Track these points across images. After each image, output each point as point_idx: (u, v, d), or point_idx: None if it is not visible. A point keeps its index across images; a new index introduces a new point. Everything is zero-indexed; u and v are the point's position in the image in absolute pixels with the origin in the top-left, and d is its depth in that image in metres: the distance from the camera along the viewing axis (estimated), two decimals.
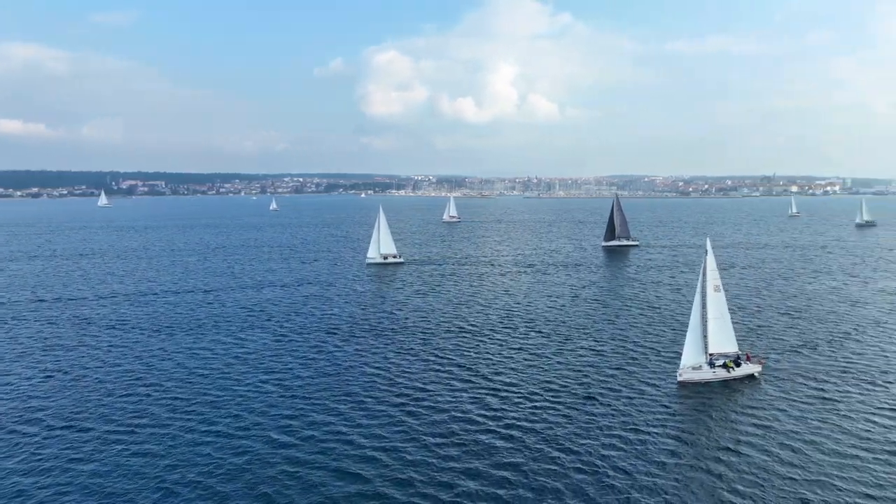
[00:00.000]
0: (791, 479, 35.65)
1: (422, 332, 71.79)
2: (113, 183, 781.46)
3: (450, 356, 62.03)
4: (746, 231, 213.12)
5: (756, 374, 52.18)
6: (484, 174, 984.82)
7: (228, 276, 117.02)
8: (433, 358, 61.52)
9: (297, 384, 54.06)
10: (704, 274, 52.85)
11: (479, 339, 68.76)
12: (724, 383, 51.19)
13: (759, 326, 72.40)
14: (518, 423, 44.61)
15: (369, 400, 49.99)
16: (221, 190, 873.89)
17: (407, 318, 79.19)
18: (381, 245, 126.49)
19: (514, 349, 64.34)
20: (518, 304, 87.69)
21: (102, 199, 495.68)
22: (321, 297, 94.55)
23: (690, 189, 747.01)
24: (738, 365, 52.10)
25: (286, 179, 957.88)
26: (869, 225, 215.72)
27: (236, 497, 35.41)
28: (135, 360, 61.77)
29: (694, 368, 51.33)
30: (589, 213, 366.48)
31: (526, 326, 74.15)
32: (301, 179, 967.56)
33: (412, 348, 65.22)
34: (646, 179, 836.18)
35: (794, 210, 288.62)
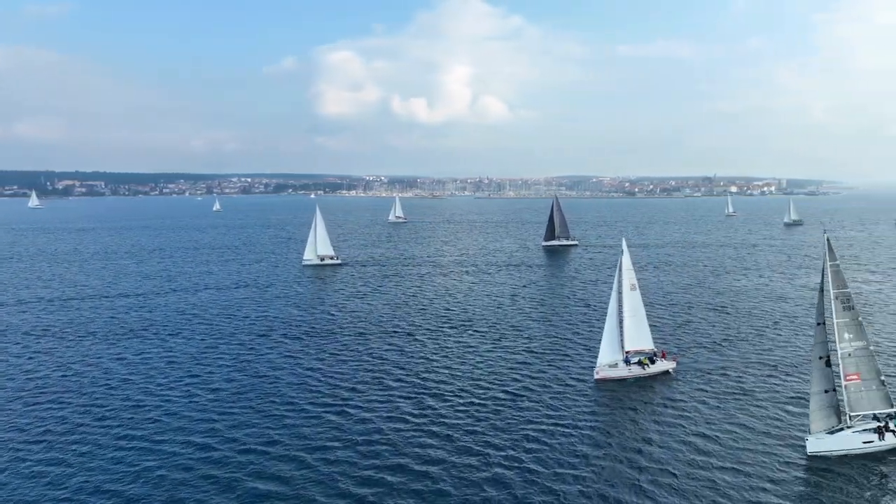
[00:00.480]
0: (703, 468, 37.00)
1: (357, 334, 71.44)
2: (48, 183, 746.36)
3: (384, 357, 61.97)
4: (685, 230, 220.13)
5: (671, 371, 53.74)
6: (436, 174, 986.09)
7: (163, 279, 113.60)
8: (367, 359, 61.34)
9: (224, 388, 53.01)
10: (620, 273, 54.15)
11: (416, 339, 68.90)
12: (640, 380, 52.59)
13: (687, 322, 75.03)
14: (445, 422, 44.97)
15: (297, 402, 49.49)
16: (165, 190, 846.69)
17: (343, 320, 78.64)
18: (318, 246, 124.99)
19: (450, 348, 64.77)
20: (458, 303, 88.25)
21: (33, 200, 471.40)
22: (257, 299, 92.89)
23: (636, 189, 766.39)
24: (653, 362, 53.63)
25: (234, 179, 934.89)
26: (796, 224, 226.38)
27: (149, 502, 34.51)
28: (56, 368, 59.36)
29: (610, 366, 52.60)
30: (536, 213, 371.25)
31: (463, 326, 74.72)
32: (249, 180, 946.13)
33: (346, 350, 64.83)
34: (594, 180, 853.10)
35: (731, 210, 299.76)
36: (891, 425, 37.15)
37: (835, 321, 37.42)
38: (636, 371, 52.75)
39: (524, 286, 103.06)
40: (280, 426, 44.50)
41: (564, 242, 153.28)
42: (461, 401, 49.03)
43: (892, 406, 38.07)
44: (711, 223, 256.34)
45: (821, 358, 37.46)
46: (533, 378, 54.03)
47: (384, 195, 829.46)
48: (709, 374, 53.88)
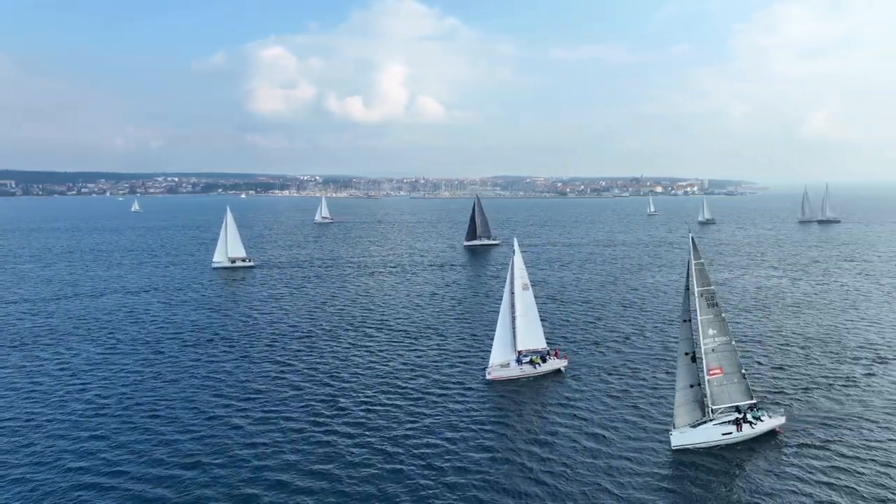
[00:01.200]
0: (575, 465, 38.01)
1: (266, 338, 69.92)
2: None
3: (292, 360, 60.93)
4: (608, 229, 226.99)
5: (562, 369, 54.96)
6: (372, 174, 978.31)
7: (67, 283, 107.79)
8: (273, 363, 60.14)
9: (114, 398, 50.77)
10: (512, 273, 55.10)
11: (329, 341, 68.06)
12: (532, 379, 53.54)
13: (592, 319, 77.33)
14: (344, 424, 44.67)
15: (190, 411, 47.92)
16: (84, 190, 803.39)
17: (253, 324, 76.80)
18: (229, 248, 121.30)
19: (361, 350, 64.36)
20: (376, 304, 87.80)
21: None
22: (164, 303, 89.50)
23: (568, 190, 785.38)
24: (545, 361, 54.72)
25: (159, 179, 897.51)
26: (709, 223, 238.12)
27: None
28: None
29: (502, 366, 53.34)
30: (469, 213, 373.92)
31: (378, 327, 74.42)
32: (176, 179, 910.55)
33: (252, 354, 63.35)
34: (527, 180, 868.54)
35: (652, 209, 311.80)
36: (748, 417, 39.52)
37: (699, 318, 39.47)
38: (527, 370, 53.63)
39: (446, 285, 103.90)
40: (163, 441, 42.85)
41: (486, 242, 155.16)
42: (364, 402, 48.87)
43: (751, 398, 40.52)
44: (634, 222, 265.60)
45: (686, 354, 39.41)
46: (436, 378, 54.32)
47: (318, 195, 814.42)
48: (599, 371, 55.51)
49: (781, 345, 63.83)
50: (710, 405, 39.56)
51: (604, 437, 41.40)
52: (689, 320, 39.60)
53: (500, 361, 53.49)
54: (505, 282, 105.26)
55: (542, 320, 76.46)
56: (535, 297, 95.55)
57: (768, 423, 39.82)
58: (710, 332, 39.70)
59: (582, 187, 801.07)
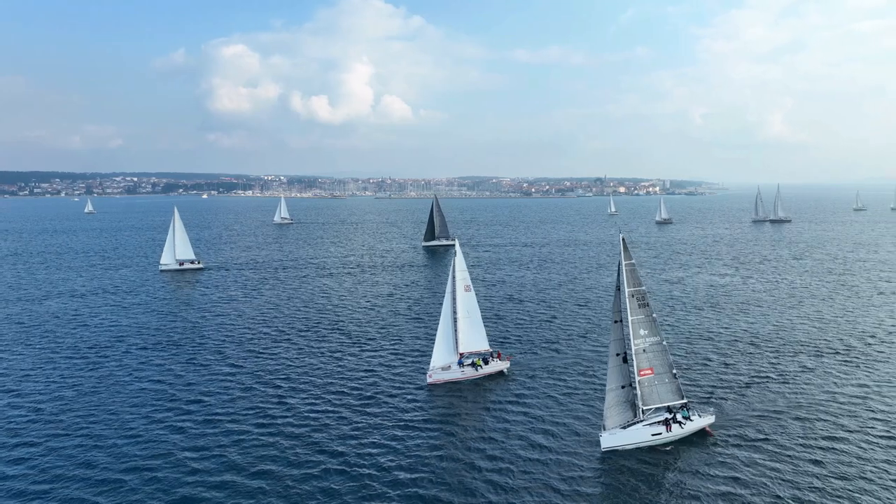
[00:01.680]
0: (521, 466, 37.90)
1: (215, 341, 68.28)
2: None
3: (240, 363, 59.68)
4: (570, 229, 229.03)
5: (505, 371, 54.74)
6: (339, 174, 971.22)
7: (10, 287, 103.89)
8: (221, 366, 58.79)
9: (50, 404, 48.89)
10: (454, 274, 54.70)
11: (279, 343, 66.80)
12: (475, 381, 53.17)
13: (542, 319, 77.56)
14: (289, 426, 43.93)
15: (130, 416, 46.54)
16: (37, 190, 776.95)
17: (202, 327, 74.91)
18: (177, 250, 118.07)
19: (314, 351, 63.35)
20: (332, 306, 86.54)
21: None
22: (111, 307, 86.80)
23: (533, 190, 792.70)
24: (487, 363, 54.38)
25: (118, 179, 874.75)
26: (666, 222, 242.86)
27: None
28: None
29: (443, 369, 52.87)
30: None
31: (331, 329, 73.36)
32: (135, 179, 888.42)
33: (199, 358, 61.79)
34: (493, 181, 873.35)
35: (613, 209, 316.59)
36: (678, 417, 39.89)
37: (630, 319, 39.68)
38: (469, 373, 53.25)
39: (405, 286, 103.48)
40: (104, 447, 41.44)
41: (444, 242, 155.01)
42: (310, 404, 48.27)
43: (682, 398, 40.92)
44: (595, 222, 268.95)
45: (617, 355, 39.57)
46: (385, 379, 53.72)
47: (282, 195, 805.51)
48: (543, 372, 55.52)
49: (729, 342, 65.02)
50: (640, 406, 39.77)
51: (536, 439, 41.18)
52: (621, 321, 39.77)
53: (441, 364, 52.97)
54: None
55: (498, 320, 77.16)
56: (494, 297, 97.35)
57: (698, 422, 40.24)
58: (642, 332, 39.94)
59: (547, 187, 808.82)
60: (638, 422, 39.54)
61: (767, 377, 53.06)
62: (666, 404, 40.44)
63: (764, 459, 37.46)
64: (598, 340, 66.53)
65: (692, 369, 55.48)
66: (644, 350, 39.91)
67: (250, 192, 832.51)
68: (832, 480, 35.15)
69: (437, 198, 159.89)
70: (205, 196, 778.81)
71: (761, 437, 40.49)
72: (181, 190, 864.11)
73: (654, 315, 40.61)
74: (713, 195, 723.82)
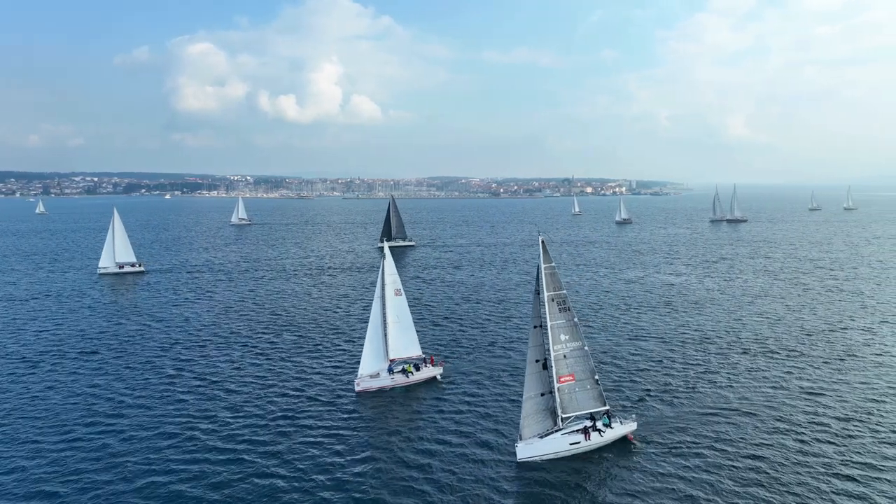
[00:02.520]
0: (451, 472, 36.22)
1: (152, 347, 65.25)
2: None
3: (171, 371, 57.00)
4: (532, 230, 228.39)
5: (438, 377, 52.90)
6: (307, 175, 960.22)
7: None
8: (155, 374, 56.01)
9: None
10: (383, 278, 52.64)
11: (215, 350, 63.97)
12: (405, 389, 51.32)
13: (505, 320, 76.08)
14: (213, 439, 41.70)
15: (53, 428, 44.00)
16: None
17: (140, 333, 71.49)
18: (117, 252, 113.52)
19: (250, 358, 60.72)
20: (277, 310, 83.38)
21: None
22: (48, 312, 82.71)
23: (501, 190, 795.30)
24: (419, 369, 52.47)
25: (77, 179, 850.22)
26: (626, 222, 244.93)
27: None
28: None
29: (371, 376, 50.85)
30: (402, 213, 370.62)
31: (272, 334, 70.59)
32: (95, 179, 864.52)
33: (133, 365, 58.94)
34: (462, 181, 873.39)
35: (577, 209, 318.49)
36: (598, 424, 38.58)
37: (550, 323, 38.22)
38: (399, 380, 51.38)
39: (363, 287, 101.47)
40: (31, 452, 39.45)
41: (401, 243, 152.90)
42: (237, 414, 46.16)
43: (604, 404, 39.60)
44: (560, 222, 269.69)
45: (537, 361, 38.14)
46: (325, 386, 51.59)
47: (248, 195, 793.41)
48: (478, 377, 53.79)
49: (679, 343, 64.31)
50: (560, 413, 38.36)
51: (456, 449, 39.36)
52: (540, 326, 38.33)
53: (370, 371, 50.91)
54: (410, 283, 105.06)
55: (445, 323, 75.18)
56: (450, 298, 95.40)
57: (619, 430, 38.95)
58: (562, 337, 38.52)
59: (515, 188, 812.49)
60: (556, 431, 38.10)
61: (707, 379, 52.34)
62: (587, 411, 39.10)
63: (685, 467, 36.34)
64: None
65: (632, 372, 54.54)
66: (565, 356, 38.50)
67: (215, 192, 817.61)
68: (753, 489, 34.21)
69: (394, 198, 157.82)
70: (168, 196, 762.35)
71: (687, 442, 39.43)
72: (143, 190, 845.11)
73: (576, 319, 39.20)
74: (678, 195, 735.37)
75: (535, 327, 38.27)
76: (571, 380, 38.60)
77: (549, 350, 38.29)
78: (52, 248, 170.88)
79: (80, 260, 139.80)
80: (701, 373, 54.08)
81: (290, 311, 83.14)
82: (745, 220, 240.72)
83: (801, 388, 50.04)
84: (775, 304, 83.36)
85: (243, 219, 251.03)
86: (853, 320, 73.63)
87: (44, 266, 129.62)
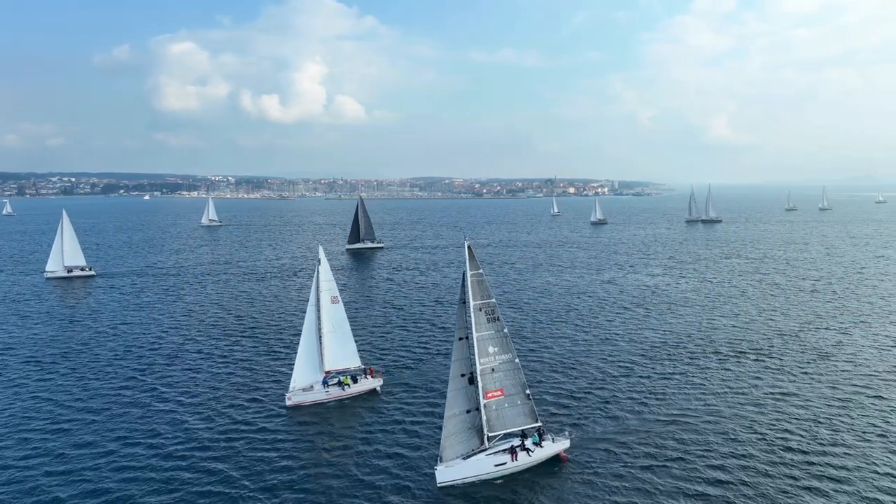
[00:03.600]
0: (401, 491, 33.44)
1: (94, 357, 61.73)
2: None
3: (104, 381, 53.79)
4: (514, 230, 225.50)
5: (378, 389, 49.68)
6: (290, 175, 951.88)
7: None
8: (82, 388, 52.49)
9: None
10: (318, 285, 49.33)
11: (153, 359, 60.48)
12: (341, 403, 48.08)
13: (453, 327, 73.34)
14: (133, 458, 38.81)
15: None
16: None
17: (82, 341, 67.84)
18: (65, 255, 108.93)
19: (186, 368, 57.46)
20: (228, 316, 79.42)
21: None
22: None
23: (484, 191, 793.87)
24: (356, 381, 49.38)
25: (53, 179, 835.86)
26: (601, 223, 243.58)
27: None
28: None
29: (304, 390, 47.64)
30: (384, 213, 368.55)
31: (215, 341, 67.12)
32: (73, 179, 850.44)
33: (68, 374, 55.81)
34: (446, 181, 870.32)
35: (556, 210, 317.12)
36: (527, 443, 35.83)
37: (476, 335, 35.42)
38: (335, 393, 48.25)
39: (346, 286, 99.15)
40: None
41: (370, 245, 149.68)
42: (179, 425, 43.75)
43: (536, 421, 36.87)
44: (539, 223, 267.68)
45: (462, 375, 35.41)
46: (245, 403, 48.29)
47: (229, 196, 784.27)
48: (420, 388, 50.72)
49: (639, 351, 61.85)
50: (486, 432, 35.59)
51: (378, 472, 36.37)
52: (467, 338, 35.55)
53: (303, 385, 47.76)
54: (380, 287, 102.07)
55: (401, 330, 71.84)
56: (421, 300, 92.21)
57: (550, 448, 36.17)
58: (491, 349, 35.77)
59: (498, 188, 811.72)
60: (481, 451, 35.33)
61: (661, 389, 49.81)
62: (518, 429, 36.39)
63: (622, 489, 33.75)
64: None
65: (580, 384, 51.97)
66: (493, 369, 35.75)
67: (195, 193, 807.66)
68: None
69: (362, 199, 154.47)
70: (147, 197, 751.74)
71: (628, 459, 36.76)
72: (122, 191, 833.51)
73: (506, 330, 36.46)
74: (659, 195, 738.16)
75: (459, 339, 35.47)
76: (500, 395, 35.88)
77: (475, 363, 35.46)
78: (8, 250, 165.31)
79: (33, 264, 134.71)
80: (651, 383, 51.54)
81: (235, 318, 79.15)
82: (720, 221, 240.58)
83: (758, 398, 47.77)
84: (747, 306, 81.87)
85: (214, 220, 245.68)
86: (822, 321, 71.95)
87: (29, 268, 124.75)
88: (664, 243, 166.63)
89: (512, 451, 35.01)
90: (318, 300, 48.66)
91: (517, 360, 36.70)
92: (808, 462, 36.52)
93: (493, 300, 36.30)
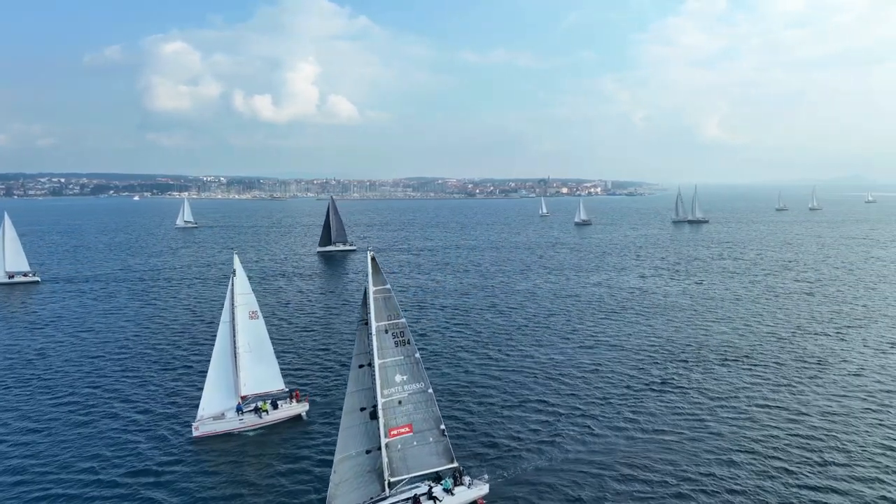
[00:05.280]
0: None
1: (26, 368, 56.89)
2: None
3: (36, 398, 49.52)
4: (503, 231, 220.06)
5: (303, 415, 44.23)
6: (282, 175, 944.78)
7: None
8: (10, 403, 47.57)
9: None
10: (232, 299, 43.70)
11: (69, 377, 55.29)
12: (260, 431, 42.52)
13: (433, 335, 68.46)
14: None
15: None
16: None
17: (16, 352, 62.88)
18: (7, 261, 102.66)
19: (105, 388, 52.21)
20: (172, 326, 74.16)
21: None
22: None
23: (477, 191, 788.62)
24: (277, 406, 43.96)
25: (43, 180, 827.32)
26: (585, 224, 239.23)
27: None
28: None
29: (215, 418, 42.23)
30: (371, 214, 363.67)
31: (141, 357, 61.97)
32: (62, 180, 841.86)
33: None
34: (439, 181, 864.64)
35: (544, 210, 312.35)
36: (434, 491, 30.94)
37: (378, 362, 30.55)
38: (251, 421, 42.91)
39: (299, 293, 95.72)
40: None
41: (341, 248, 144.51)
42: (56, 463, 38.50)
43: (452, 461, 31.93)
44: (529, 224, 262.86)
45: (363, 409, 30.55)
46: (155, 431, 43.32)
47: (220, 197, 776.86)
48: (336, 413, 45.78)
49: (590, 368, 57.33)
50: (387, 477, 30.68)
51: None
52: (369, 364, 30.69)
53: (213, 412, 42.41)
54: (347, 291, 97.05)
55: (348, 344, 66.46)
56: (408, 302, 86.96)
57: (464, 495, 31.23)
58: (398, 378, 30.84)
59: (491, 188, 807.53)
60: (381, 499, 30.46)
61: (611, 410, 45.36)
62: (429, 471, 31.51)
63: None
64: (444, 372, 57.37)
65: (543, 402, 47.31)
66: (400, 402, 30.79)
67: (186, 193, 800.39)
68: None
69: (333, 199, 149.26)
70: (136, 198, 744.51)
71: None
72: (112, 192, 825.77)
73: (418, 355, 31.60)
74: (651, 195, 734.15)
75: (359, 366, 30.55)
76: (408, 432, 30.91)
77: (377, 395, 30.51)
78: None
79: (42, 266, 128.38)
80: (610, 406, 46.98)
81: (178, 329, 73.52)
82: (707, 221, 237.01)
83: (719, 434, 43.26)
84: (729, 312, 77.81)
85: (189, 221, 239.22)
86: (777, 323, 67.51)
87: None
88: (647, 245, 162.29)
89: (416, 500, 30.11)
90: (232, 316, 43.32)
91: (430, 391, 31.58)
92: (800, 476, 31.91)
93: (403, 320, 31.31)
